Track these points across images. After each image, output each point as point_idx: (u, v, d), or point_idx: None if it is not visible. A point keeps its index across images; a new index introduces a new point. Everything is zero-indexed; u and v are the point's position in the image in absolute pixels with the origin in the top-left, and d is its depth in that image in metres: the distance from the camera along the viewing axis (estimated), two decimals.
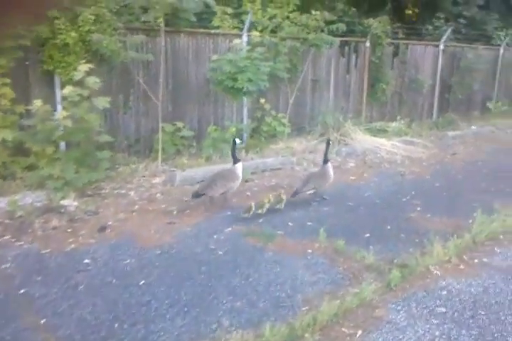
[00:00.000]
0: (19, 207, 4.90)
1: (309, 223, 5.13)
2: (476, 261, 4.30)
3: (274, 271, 4.00)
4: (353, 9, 12.78)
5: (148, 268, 4.02)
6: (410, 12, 15.38)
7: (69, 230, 4.70)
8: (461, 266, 4.17)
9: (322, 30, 8.49)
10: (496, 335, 3.17)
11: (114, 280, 3.79)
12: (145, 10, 6.59)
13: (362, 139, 8.72)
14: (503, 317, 3.38)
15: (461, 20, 12.53)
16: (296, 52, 8.86)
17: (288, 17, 8.41)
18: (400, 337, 3.13)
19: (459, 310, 3.47)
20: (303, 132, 9.37)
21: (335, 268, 4.10)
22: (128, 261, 4.14)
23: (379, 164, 7.87)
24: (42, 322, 3.22)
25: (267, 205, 5.22)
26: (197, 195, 5.35)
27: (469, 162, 8.19)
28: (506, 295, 3.69)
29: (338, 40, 8.94)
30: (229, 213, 5.36)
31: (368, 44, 10.19)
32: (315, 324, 3.16)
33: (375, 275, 3.95)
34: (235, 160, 5.59)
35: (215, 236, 4.70)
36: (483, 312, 3.44)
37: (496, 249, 4.57)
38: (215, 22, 8.26)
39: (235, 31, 8.29)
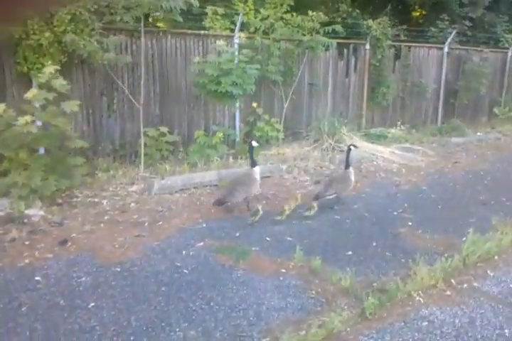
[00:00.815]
0: None
1: (289, 238, 4.77)
2: (465, 285, 3.89)
3: (239, 294, 3.65)
4: (357, 11, 12.40)
5: (102, 287, 3.69)
6: (418, 14, 14.94)
7: (27, 243, 4.39)
8: (448, 292, 3.77)
9: (318, 32, 8.13)
10: None
11: (61, 302, 3.47)
12: (127, 10, 6.30)
13: (358, 146, 8.31)
14: None
15: (467, 22, 12.06)
16: (291, 55, 8.52)
17: (282, 18, 8.06)
18: None
19: None
20: (298, 137, 9.01)
21: (307, 291, 3.73)
22: (83, 279, 3.82)
23: (374, 173, 7.47)
24: None
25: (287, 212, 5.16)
26: (220, 202, 5.31)
27: (470, 171, 7.73)
28: (494, 328, 3.27)
29: (335, 42, 8.59)
30: (204, 225, 5.03)
31: (368, 46, 9.80)
32: None
33: (351, 301, 3.57)
34: (253, 164, 5.60)
35: (183, 252, 4.36)
36: None
37: (488, 271, 4.15)
38: (207, 23, 7.97)
39: (227, 32, 7.97)
